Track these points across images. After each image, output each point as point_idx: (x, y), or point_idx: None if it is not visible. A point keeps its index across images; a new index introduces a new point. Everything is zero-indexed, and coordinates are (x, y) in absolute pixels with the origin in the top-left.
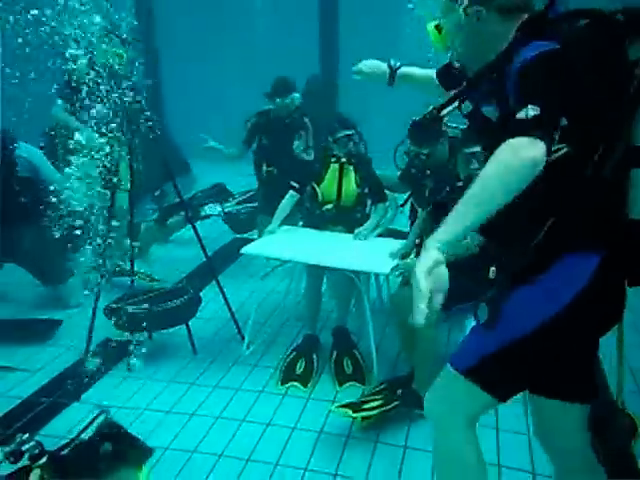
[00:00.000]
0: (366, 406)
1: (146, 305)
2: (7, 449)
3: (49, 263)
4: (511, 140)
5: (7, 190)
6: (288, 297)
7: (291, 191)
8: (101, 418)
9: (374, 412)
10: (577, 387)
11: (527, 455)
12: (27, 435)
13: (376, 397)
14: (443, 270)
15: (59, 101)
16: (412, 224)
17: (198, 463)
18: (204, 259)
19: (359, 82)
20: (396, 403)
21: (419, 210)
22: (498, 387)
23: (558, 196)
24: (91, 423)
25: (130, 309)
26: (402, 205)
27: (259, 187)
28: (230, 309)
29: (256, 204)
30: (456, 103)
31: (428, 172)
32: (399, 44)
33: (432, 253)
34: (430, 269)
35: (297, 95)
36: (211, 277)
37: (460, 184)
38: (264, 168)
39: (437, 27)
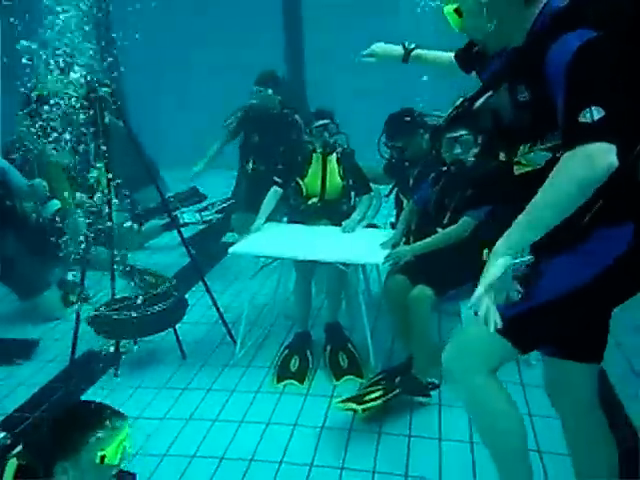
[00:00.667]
0: (367, 397)
1: (130, 310)
2: None
3: (27, 275)
4: (582, 149)
5: None
6: (275, 296)
7: (274, 187)
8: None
9: (377, 402)
10: (593, 349)
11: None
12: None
13: (376, 388)
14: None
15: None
16: (397, 214)
17: (199, 467)
18: (183, 265)
19: (327, 77)
20: (397, 391)
21: (404, 200)
22: (523, 341)
23: (611, 182)
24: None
25: (114, 315)
26: (387, 195)
27: (241, 184)
28: (219, 311)
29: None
30: (490, 93)
31: (407, 164)
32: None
33: (503, 261)
34: (498, 277)
35: (269, 91)
36: (194, 281)
37: (445, 169)
38: (250, 165)
39: (457, 10)
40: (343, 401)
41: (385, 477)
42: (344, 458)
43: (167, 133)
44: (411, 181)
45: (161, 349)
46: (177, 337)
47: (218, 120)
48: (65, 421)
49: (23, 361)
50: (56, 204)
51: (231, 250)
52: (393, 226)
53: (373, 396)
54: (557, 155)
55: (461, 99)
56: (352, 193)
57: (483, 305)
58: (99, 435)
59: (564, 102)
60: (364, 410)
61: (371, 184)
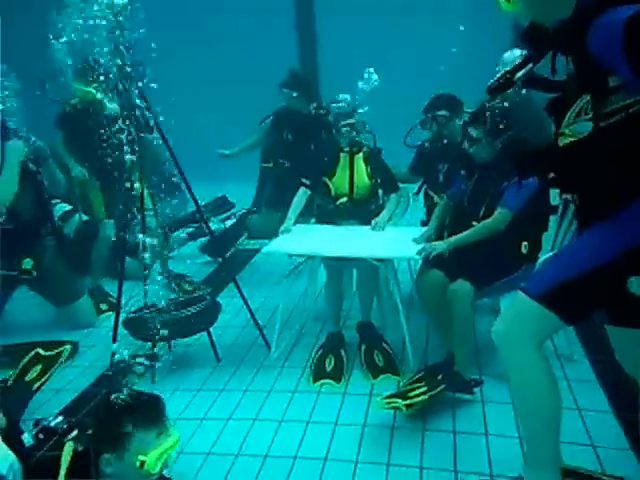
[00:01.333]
0: (412, 394)
1: (166, 313)
2: (34, 430)
3: (62, 282)
4: None
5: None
6: (305, 298)
7: (302, 187)
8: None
9: (422, 397)
10: None
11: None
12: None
13: (419, 385)
14: None
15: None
16: (427, 212)
17: (244, 465)
18: (207, 273)
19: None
20: (442, 387)
21: (434, 197)
22: (570, 311)
23: None
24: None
25: (150, 317)
26: (416, 193)
27: (263, 186)
28: (251, 313)
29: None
30: (531, 65)
31: (435, 154)
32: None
33: None
34: None
35: (294, 94)
36: (222, 287)
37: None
38: (276, 162)
39: None
40: (387, 397)
41: (434, 473)
42: (389, 455)
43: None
44: (441, 177)
45: (195, 353)
46: (211, 340)
47: (237, 133)
48: (120, 415)
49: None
50: (76, 220)
51: (264, 249)
52: (423, 224)
53: (418, 392)
54: (600, 125)
55: (502, 70)
56: (380, 192)
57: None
58: (146, 440)
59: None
60: (408, 407)
61: (399, 184)
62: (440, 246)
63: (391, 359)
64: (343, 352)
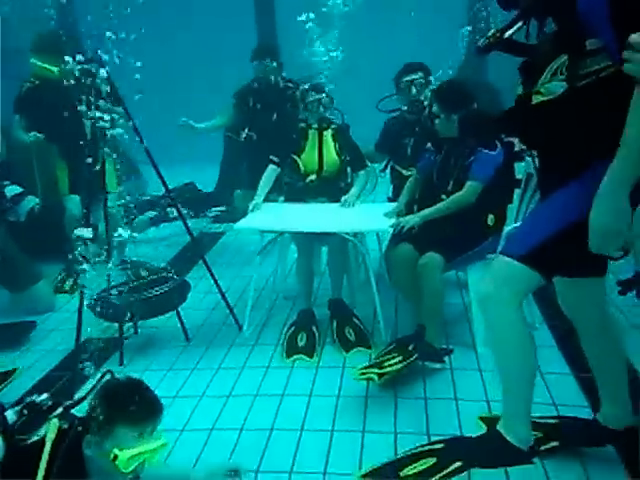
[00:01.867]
0: (385, 364)
1: (135, 292)
2: (19, 406)
3: (16, 268)
4: None
5: None
6: (275, 278)
7: (271, 165)
8: (107, 377)
9: (397, 367)
10: (600, 264)
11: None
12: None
13: (391, 356)
14: None
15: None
16: (394, 188)
17: (219, 439)
18: (172, 256)
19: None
20: (415, 356)
21: (402, 171)
22: (550, 268)
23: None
24: (99, 382)
25: (117, 298)
26: (383, 170)
27: (231, 158)
28: (222, 292)
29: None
30: (520, 24)
31: (405, 131)
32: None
33: None
34: None
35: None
36: (189, 267)
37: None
38: (244, 133)
39: None
40: (363, 369)
41: (408, 437)
42: (364, 422)
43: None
44: (409, 151)
45: (163, 334)
46: (180, 320)
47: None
48: (115, 400)
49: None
50: (32, 201)
51: (236, 225)
52: (390, 200)
53: (392, 362)
54: (574, 85)
55: (493, 30)
56: (348, 170)
57: None
58: (127, 435)
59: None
60: (380, 376)
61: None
62: (413, 219)
63: (362, 333)
64: (315, 328)
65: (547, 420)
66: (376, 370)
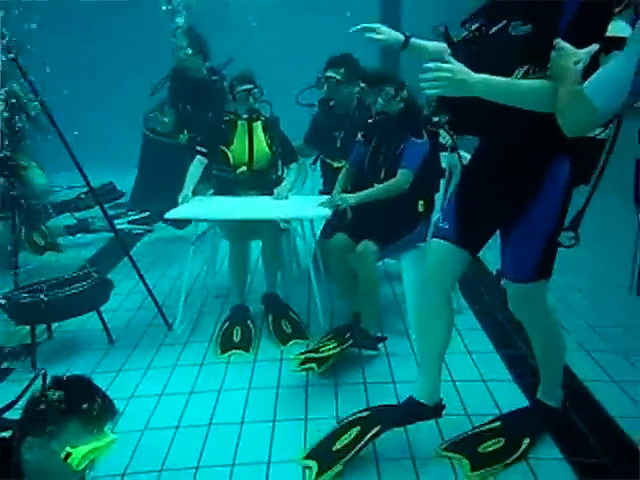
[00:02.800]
0: (323, 349)
1: (49, 291)
2: None
3: None
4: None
5: None
6: (205, 275)
7: (198, 156)
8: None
9: (334, 351)
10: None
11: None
12: None
13: (328, 343)
14: None
15: None
16: (325, 181)
17: (152, 439)
18: (89, 258)
19: None
20: (351, 342)
21: (333, 163)
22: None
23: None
24: (28, 387)
25: (26, 297)
26: (313, 163)
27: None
28: (149, 289)
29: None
30: (504, 22)
31: (335, 123)
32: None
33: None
34: None
35: (189, 51)
36: (107, 270)
37: (371, 121)
38: (183, 136)
39: None
40: (300, 354)
41: None
42: (306, 410)
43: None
44: (338, 143)
45: (82, 337)
46: (102, 320)
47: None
48: (62, 399)
49: None
50: None
51: (167, 214)
52: (321, 193)
53: (328, 348)
54: None
55: (477, 25)
56: (279, 163)
57: None
58: (80, 432)
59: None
60: (319, 365)
61: None
62: (350, 198)
63: (298, 326)
64: (250, 322)
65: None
66: (313, 355)
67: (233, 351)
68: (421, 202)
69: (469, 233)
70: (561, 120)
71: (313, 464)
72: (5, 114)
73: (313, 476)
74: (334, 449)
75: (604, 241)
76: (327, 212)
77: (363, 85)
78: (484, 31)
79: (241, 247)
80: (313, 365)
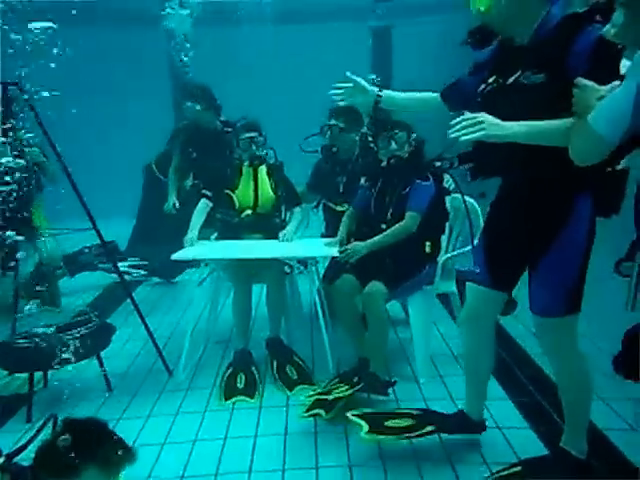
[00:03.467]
0: (334, 392)
1: (47, 336)
2: None
3: None
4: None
5: None
6: (206, 322)
7: (203, 199)
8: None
9: (344, 394)
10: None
11: None
12: None
13: (338, 387)
14: None
15: None
16: (327, 225)
17: None
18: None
19: None
20: (361, 386)
21: (335, 207)
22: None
23: None
24: (42, 428)
25: (22, 343)
26: (315, 207)
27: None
28: (151, 335)
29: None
30: (519, 72)
31: (337, 169)
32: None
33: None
34: None
35: (197, 107)
36: (107, 315)
37: (384, 164)
38: (188, 182)
39: None
40: (309, 397)
41: (363, 470)
42: (316, 458)
43: None
44: (341, 188)
45: (79, 385)
46: (102, 366)
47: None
48: (81, 440)
49: None
50: None
51: (174, 256)
52: (323, 237)
53: (338, 392)
54: None
55: (494, 77)
56: (282, 207)
57: None
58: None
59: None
60: (327, 411)
61: None
62: (361, 247)
63: (304, 371)
64: (254, 368)
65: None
66: (323, 397)
67: (238, 398)
68: (428, 243)
69: (501, 275)
70: (570, 151)
71: (364, 423)
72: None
73: (363, 431)
74: (385, 424)
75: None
76: (334, 251)
77: (367, 131)
78: (501, 82)
79: (246, 289)
80: (321, 411)
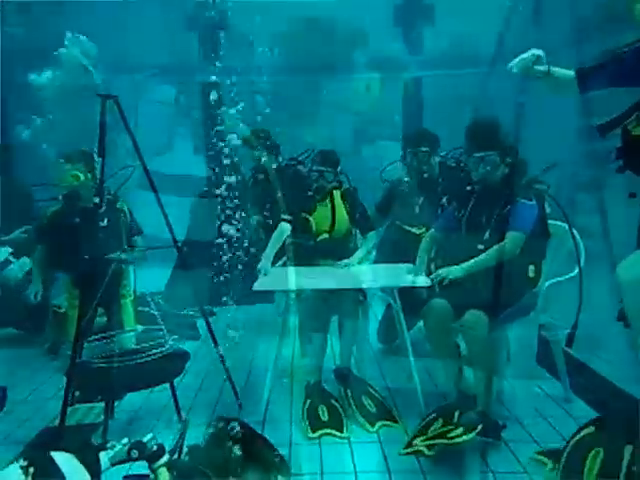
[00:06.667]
0: (450, 435)
1: (118, 358)
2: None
3: None
4: None
5: None
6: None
7: (283, 223)
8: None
9: (465, 438)
10: None
11: None
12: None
13: (436, 424)
14: None
15: None
16: (391, 248)
17: None
18: None
19: None
20: (480, 429)
21: (411, 229)
22: None
23: None
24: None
25: (97, 363)
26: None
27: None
28: (224, 365)
29: None
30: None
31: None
32: None
33: None
34: None
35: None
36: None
37: (469, 188)
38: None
39: None
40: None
41: None
42: None
43: None
44: (417, 209)
45: (146, 415)
46: (174, 393)
47: None
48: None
49: None
50: None
51: (255, 286)
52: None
53: (453, 434)
54: None
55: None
56: (354, 231)
57: None
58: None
59: None
60: (430, 446)
61: None
62: (456, 271)
63: (382, 404)
64: (334, 401)
65: None
66: (441, 442)
67: (325, 430)
68: (532, 267)
69: None
70: None
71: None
72: None
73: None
74: None
75: None
76: (427, 280)
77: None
78: None
79: (325, 322)
80: (422, 448)
